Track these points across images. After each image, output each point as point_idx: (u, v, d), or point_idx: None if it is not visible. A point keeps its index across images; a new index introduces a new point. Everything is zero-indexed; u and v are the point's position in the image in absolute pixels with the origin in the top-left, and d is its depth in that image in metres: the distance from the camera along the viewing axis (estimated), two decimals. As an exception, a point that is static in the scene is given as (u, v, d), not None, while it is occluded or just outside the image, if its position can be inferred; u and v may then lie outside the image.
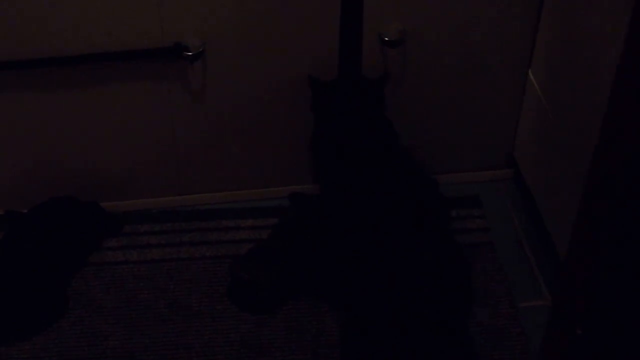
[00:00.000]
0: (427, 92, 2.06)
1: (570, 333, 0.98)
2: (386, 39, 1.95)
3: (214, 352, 1.82)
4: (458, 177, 2.21)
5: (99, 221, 2.09)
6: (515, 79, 2.05)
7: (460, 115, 2.12)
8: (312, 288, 1.93)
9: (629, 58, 0.89)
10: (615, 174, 0.93)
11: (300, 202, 2.07)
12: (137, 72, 1.94)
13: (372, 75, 1.95)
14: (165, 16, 1.86)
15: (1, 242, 2.00)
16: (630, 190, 0.92)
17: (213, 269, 2.00)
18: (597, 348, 0.98)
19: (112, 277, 1.99)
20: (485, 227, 2.09)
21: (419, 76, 2.03)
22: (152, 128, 2.05)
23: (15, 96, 1.96)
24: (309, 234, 1.96)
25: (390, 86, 1.99)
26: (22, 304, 1.89)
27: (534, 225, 2.05)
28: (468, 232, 2.07)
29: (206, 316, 1.89)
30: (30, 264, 1.93)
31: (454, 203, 2.12)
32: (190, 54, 1.90)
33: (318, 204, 2.03)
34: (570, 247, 1.02)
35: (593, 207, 0.97)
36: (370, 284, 1.74)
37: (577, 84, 1.75)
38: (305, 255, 1.93)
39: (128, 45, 1.88)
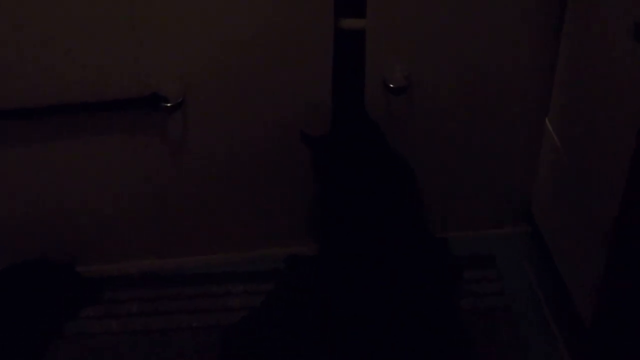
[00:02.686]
0: (436, 143, 2.00)
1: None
2: (391, 85, 1.87)
3: None
4: (471, 234, 2.15)
5: (75, 287, 2.02)
6: (531, 128, 1.99)
7: (472, 168, 2.06)
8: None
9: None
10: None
11: (296, 266, 2.01)
12: (112, 124, 1.89)
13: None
14: (143, 65, 1.80)
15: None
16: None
17: (202, 341, 1.91)
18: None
19: (90, 350, 1.90)
20: (501, 290, 2.02)
21: (426, 126, 1.97)
22: (129, 184, 1.99)
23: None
24: (307, 302, 1.89)
25: (396, 136, 1.92)
26: (-12, 380, 1.85)
27: (553, 284, 1.96)
28: (482, 295, 2.00)
29: (195, 395, 1.83)
30: (-2, 334, 1.88)
31: (466, 264, 2.05)
32: (168, 105, 1.85)
33: (316, 269, 1.97)
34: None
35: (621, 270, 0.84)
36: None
37: (597, 135, 1.70)
38: (304, 328, 1.85)
39: (103, 96, 1.82)
